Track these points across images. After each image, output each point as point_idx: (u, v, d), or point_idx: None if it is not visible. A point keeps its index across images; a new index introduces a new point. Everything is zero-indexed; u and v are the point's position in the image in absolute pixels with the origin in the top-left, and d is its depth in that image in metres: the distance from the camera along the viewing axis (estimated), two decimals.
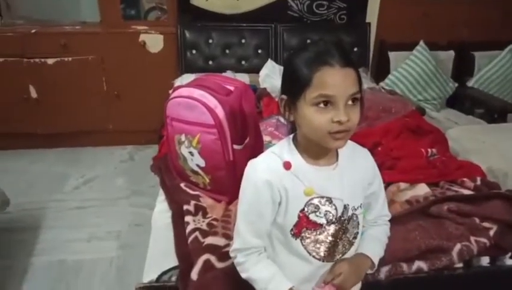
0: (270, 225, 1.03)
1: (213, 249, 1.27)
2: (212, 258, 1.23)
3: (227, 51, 3.07)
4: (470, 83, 3.28)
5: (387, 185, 1.75)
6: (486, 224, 1.49)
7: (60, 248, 2.24)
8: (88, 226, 2.41)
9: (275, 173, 0.99)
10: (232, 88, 1.61)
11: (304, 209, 1.00)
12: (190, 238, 1.33)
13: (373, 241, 1.13)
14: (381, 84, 3.12)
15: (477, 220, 1.51)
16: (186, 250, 1.31)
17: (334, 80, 0.91)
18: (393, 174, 1.80)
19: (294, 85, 0.95)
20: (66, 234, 2.34)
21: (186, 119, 1.57)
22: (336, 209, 1.02)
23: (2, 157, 3.06)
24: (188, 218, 1.43)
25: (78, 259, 2.15)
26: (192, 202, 1.50)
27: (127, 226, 2.42)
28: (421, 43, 3.16)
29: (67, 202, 2.63)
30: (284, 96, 0.99)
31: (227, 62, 3.06)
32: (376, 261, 1.11)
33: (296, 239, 1.02)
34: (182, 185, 1.63)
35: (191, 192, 1.59)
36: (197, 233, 1.35)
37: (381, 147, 1.99)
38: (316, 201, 1.01)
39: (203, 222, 1.43)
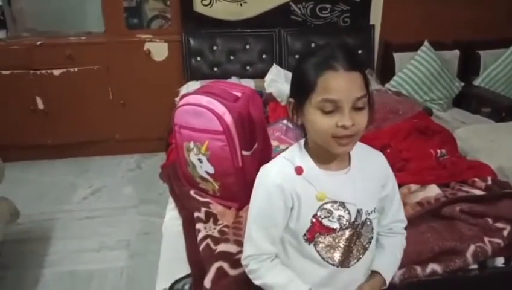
0: (283, 231, 1.03)
1: (225, 256, 1.26)
2: (225, 266, 1.22)
3: (231, 57, 3.08)
4: (476, 82, 3.26)
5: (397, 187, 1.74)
6: (499, 224, 1.48)
7: (70, 258, 2.24)
8: (97, 236, 2.41)
9: (287, 178, 0.99)
10: (239, 94, 1.61)
11: (316, 214, 1.00)
12: (202, 246, 1.33)
13: (388, 258, 1.12)
14: (387, 85, 3.12)
15: (490, 221, 1.49)
16: (198, 258, 1.30)
17: (338, 84, 0.90)
18: (403, 176, 1.78)
19: (301, 89, 0.96)
20: (76, 244, 2.34)
21: (194, 127, 1.57)
22: (349, 214, 1.01)
23: (11, 169, 3.03)
24: (199, 225, 1.42)
25: (88, 269, 2.15)
26: (203, 209, 1.50)
27: (136, 235, 2.42)
28: (426, 43, 3.15)
29: (76, 212, 2.64)
30: (292, 100, 1.00)
31: (232, 68, 3.07)
32: (388, 281, 1.10)
33: (309, 244, 1.01)
34: (192, 192, 1.62)
35: (201, 199, 1.59)
36: (208, 240, 1.34)
37: (390, 149, 1.98)
38: (328, 206, 1.00)
39: (214, 229, 1.42)
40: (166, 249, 1.44)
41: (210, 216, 1.49)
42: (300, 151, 1.03)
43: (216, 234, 1.38)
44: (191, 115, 1.58)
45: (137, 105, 3.18)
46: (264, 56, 3.09)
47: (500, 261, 1.42)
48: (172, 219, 1.57)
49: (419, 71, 3.11)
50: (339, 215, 1.01)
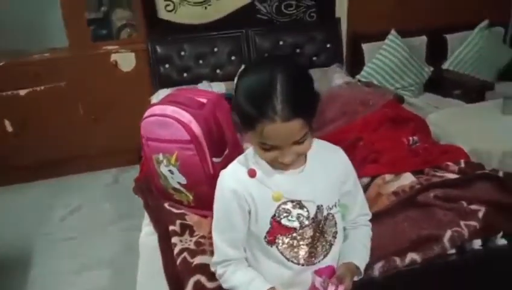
0: (245, 234, 1.03)
1: (203, 268, 1.24)
2: (203, 279, 1.20)
3: (200, 61, 3.05)
4: (445, 66, 3.30)
5: (372, 179, 1.74)
6: (474, 206, 1.49)
7: (52, 282, 2.18)
8: (79, 256, 2.35)
9: (240, 182, 1.00)
10: (204, 100, 1.59)
11: (275, 215, 1.00)
12: (179, 260, 1.30)
13: (358, 248, 1.11)
14: (358, 77, 3.13)
15: (464, 204, 1.51)
16: (175, 272, 1.28)
17: (275, 134, 0.89)
18: (377, 167, 1.79)
19: (241, 119, 0.94)
20: (57, 267, 2.28)
21: (162, 138, 1.54)
22: (307, 211, 1.01)
23: None
24: (174, 239, 1.40)
25: None
26: (178, 222, 1.47)
27: (118, 252, 2.37)
28: (392, 31, 3.18)
29: (55, 234, 2.57)
30: (236, 118, 0.96)
31: (201, 72, 3.03)
32: (363, 268, 1.09)
33: (271, 246, 1.01)
34: (166, 204, 1.60)
35: (176, 211, 1.56)
36: (185, 254, 1.32)
37: (363, 141, 1.98)
38: (286, 206, 1.00)
39: (191, 241, 1.40)
40: (143, 265, 1.41)
41: (186, 228, 1.46)
42: (254, 154, 1.02)
43: (192, 246, 1.36)
44: (156, 126, 1.56)
45: (109, 118, 3.12)
46: (233, 58, 3.07)
47: (477, 244, 1.42)
48: (148, 234, 1.55)
49: (389, 60, 3.13)
50: (298, 214, 1.00)
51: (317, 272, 1.03)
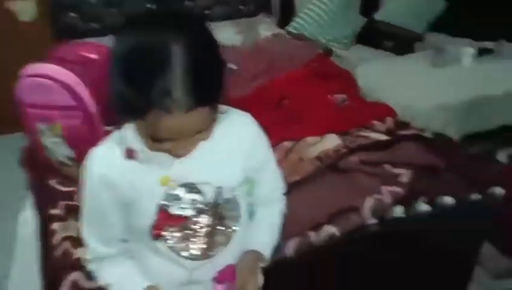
0: (123, 229, 0.85)
1: (83, 264, 1.03)
2: (82, 278, 1.00)
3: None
4: (378, 16, 3.18)
5: (295, 142, 1.59)
6: (398, 170, 1.40)
7: None
8: None
9: (113, 166, 0.79)
10: (95, 56, 1.34)
11: (161, 203, 0.80)
12: (57, 252, 1.09)
13: (264, 229, 0.96)
14: (288, 28, 2.93)
15: (389, 167, 1.41)
16: (51, 267, 1.06)
17: (174, 127, 0.67)
18: (302, 129, 1.64)
19: (121, 104, 0.68)
20: None
21: (42, 104, 1.29)
22: (203, 196, 0.82)
23: None
24: (55, 225, 1.17)
25: None
26: (62, 203, 1.24)
27: None
28: None
29: None
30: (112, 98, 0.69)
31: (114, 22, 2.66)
32: (268, 254, 0.94)
33: (158, 241, 0.83)
34: (52, 182, 1.34)
35: (63, 189, 1.32)
36: (67, 244, 1.10)
37: (288, 100, 1.82)
38: (175, 191, 0.80)
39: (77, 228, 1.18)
40: (19, 260, 1.18)
41: (72, 211, 1.22)
42: (134, 129, 0.76)
43: (77, 235, 1.14)
44: (36, 89, 1.29)
45: None
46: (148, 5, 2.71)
47: (399, 211, 1.32)
48: (27, 221, 1.30)
49: (321, 10, 2.94)
50: (192, 200, 0.81)
51: (217, 279, 0.87)
